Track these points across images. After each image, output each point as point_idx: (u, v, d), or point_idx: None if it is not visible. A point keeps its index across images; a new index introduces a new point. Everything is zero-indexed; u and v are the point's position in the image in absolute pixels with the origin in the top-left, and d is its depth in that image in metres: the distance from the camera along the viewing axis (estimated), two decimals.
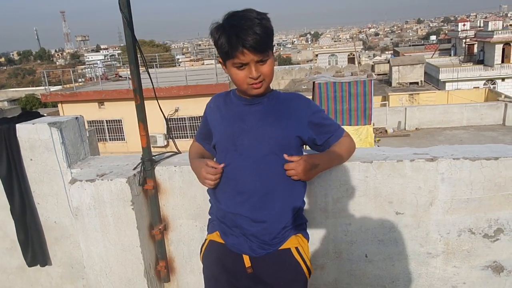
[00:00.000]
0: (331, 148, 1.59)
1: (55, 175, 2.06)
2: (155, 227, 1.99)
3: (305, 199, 1.64)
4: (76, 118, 2.11)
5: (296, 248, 1.52)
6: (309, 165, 1.48)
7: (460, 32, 45.98)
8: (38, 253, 2.20)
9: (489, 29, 38.83)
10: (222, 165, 1.49)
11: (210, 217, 1.66)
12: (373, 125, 12.94)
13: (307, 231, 1.62)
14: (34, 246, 2.18)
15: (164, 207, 2.01)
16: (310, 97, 13.02)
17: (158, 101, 2.03)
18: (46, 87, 19.17)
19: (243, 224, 1.48)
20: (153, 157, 1.95)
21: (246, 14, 1.37)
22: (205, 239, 1.64)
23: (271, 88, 1.57)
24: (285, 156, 1.46)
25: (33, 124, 2.01)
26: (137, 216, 1.88)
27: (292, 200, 1.52)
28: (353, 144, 1.67)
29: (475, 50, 41.05)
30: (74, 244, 2.19)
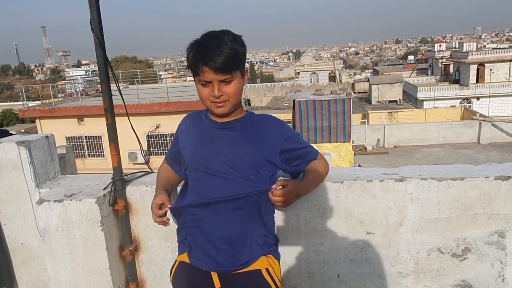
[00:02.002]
0: (307, 176, 1.61)
1: (22, 195, 2.01)
2: (126, 248, 1.95)
3: (277, 219, 1.65)
4: (46, 136, 2.07)
5: (267, 269, 1.51)
6: (294, 195, 1.50)
7: (436, 53, 47.51)
8: (4, 275, 2.13)
9: (464, 50, 40.24)
10: (165, 209, 1.51)
11: (179, 236, 1.63)
12: (353, 142, 13.12)
13: (279, 251, 1.62)
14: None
15: (135, 227, 1.97)
16: (291, 114, 13.15)
17: (130, 119, 2.02)
18: (24, 102, 18.81)
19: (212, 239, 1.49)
20: (124, 177, 1.92)
21: (219, 34, 1.39)
22: (175, 260, 1.62)
23: (245, 109, 1.58)
24: (273, 186, 1.45)
25: (0, 143, 1.96)
26: (107, 237, 1.84)
27: (261, 221, 1.52)
28: (326, 168, 1.69)
29: (451, 70, 42.36)
30: (41, 267, 2.12)
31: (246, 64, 1.51)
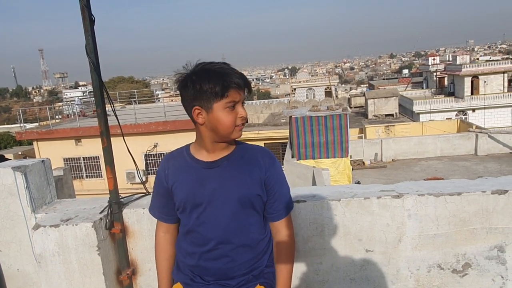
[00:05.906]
0: (281, 272, 1.52)
1: (18, 220, 1.99)
2: (123, 272, 1.93)
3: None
4: (42, 161, 2.06)
5: None
6: None
7: (430, 66, 47.97)
8: None
9: (458, 63, 40.64)
10: None
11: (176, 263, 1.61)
12: (351, 157, 13.13)
13: None
14: None
15: (133, 250, 1.95)
16: (288, 131, 13.18)
17: (127, 140, 2.02)
18: (22, 125, 18.83)
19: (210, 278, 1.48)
20: (121, 200, 1.92)
21: (222, 64, 1.38)
22: None
23: (236, 141, 1.49)
24: None
25: None
26: (104, 261, 1.82)
27: (258, 254, 1.50)
28: (291, 240, 1.56)
29: (446, 83, 42.73)
30: None
31: None
